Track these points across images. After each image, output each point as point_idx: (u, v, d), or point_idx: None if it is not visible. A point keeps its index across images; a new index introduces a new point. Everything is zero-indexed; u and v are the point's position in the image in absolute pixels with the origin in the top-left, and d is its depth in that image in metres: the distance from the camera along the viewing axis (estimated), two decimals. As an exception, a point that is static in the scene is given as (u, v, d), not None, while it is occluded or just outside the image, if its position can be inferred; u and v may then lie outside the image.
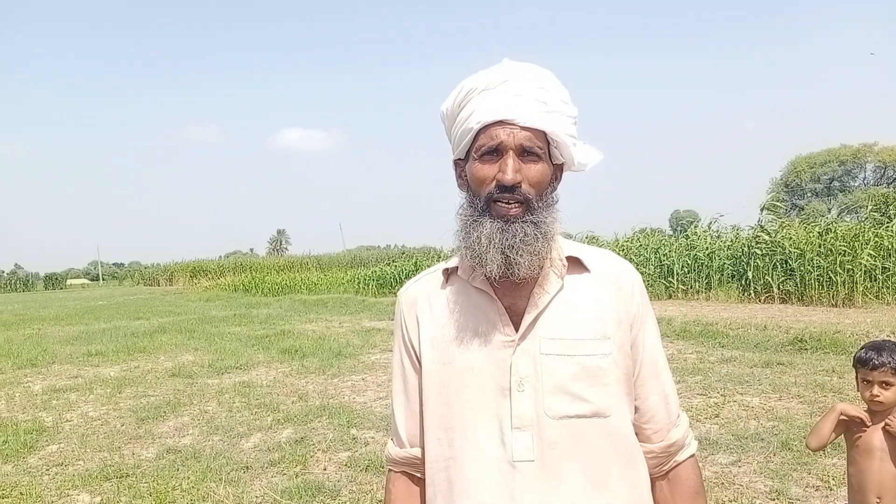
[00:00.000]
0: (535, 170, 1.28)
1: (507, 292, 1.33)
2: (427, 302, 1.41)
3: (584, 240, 21.35)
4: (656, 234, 21.19)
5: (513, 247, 1.24)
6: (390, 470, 1.48)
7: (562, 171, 1.39)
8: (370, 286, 25.95)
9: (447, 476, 1.32)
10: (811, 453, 4.70)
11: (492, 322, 1.32)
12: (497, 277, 1.27)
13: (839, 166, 60.10)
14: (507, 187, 1.25)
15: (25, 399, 8.18)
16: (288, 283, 31.59)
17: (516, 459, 1.26)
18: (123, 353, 11.67)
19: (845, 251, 14.17)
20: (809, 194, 62.00)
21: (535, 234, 1.26)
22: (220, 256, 61.85)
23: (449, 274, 1.42)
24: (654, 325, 1.41)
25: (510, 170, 1.25)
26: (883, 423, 2.57)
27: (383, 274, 26.45)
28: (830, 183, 61.19)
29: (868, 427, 2.61)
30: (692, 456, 1.41)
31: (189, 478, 5.04)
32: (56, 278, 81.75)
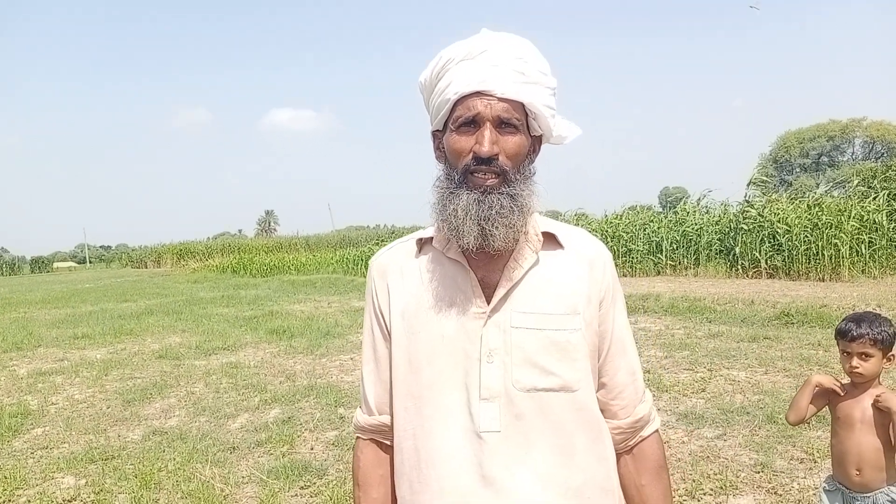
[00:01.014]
0: (513, 142, 1.27)
1: (482, 264, 1.32)
2: (399, 271, 1.40)
3: (573, 217, 21.36)
4: (646, 210, 21.22)
5: (489, 218, 1.24)
6: (358, 437, 1.48)
7: (540, 143, 1.38)
8: (359, 266, 25.92)
9: (414, 444, 1.32)
10: (797, 427, 4.72)
11: (464, 293, 1.31)
12: (474, 249, 1.26)
13: (828, 141, 60.22)
14: (484, 159, 1.24)
15: (11, 383, 8.12)
16: (276, 263, 31.52)
17: (483, 430, 1.26)
18: (110, 336, 11.61)
19: (832, 225, 14.23)
20: (798, 169, 62.18)
21: (512, 207, 1.25)
22: (208, 238, 61.57)
23: (423, 244, 1.41)
24: (622, 303, 1.42)
25: (487, 142, 1.24)
26: (864, 395, 2.56)
27: (372, 254, 26.19)
28: (819, 158, 61.34)
29: (846, 398, 2.60)
30: (656, 431, 1.43)
31: (175, 459, 5.01)
32: (43, 262, 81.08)
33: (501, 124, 1.26)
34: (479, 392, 1.27)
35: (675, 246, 17.10)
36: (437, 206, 1.31)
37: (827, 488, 2.67)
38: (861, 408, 2.55)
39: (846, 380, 2.66)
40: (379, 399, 1.42)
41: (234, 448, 5.23)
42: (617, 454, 1.38)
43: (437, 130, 1.37)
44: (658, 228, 17.71)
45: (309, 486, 4.42)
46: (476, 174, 1.25)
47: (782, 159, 61.84)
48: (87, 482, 4.66)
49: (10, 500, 4.43)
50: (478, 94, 1.25)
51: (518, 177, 1.28)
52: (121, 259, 68.66)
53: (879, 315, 2.60)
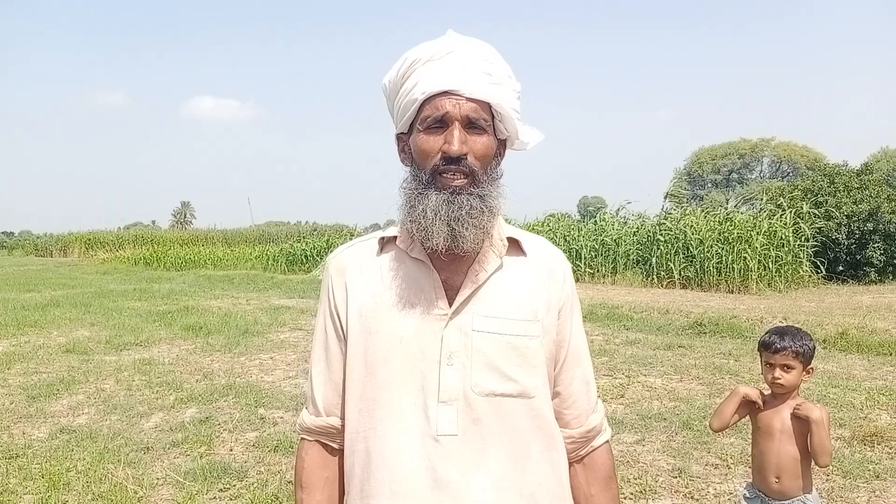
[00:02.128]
0: (481, 142, 1.27)
1: (445, 266, 1.31)
2: (358, 269, 1.38)
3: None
4: (565, 218, 21.68)
5: (459, 219, 1.23)
6: (303, 438, 1.44)
7: (505, 147, 1.38)
8: (279, 263, 25.51)
9: (366, 447, 1.30)
10: (711, 433, 4.90)
11: (426, 294, 1.30)
12: (443, 250, 1.25)
13: (738, 159, 62.80)
14: (454, 159, 1.24)
15: None
16: (192, 257, 30.63)
17: (440, 433, 1.25)
18: (12, 328, 11.00)
19: (742, 240, 14.88)
20: (710, 185, 64.62)
21: (481, 208, 1.25)
22: (120, 228, 59.40)
23: (385, 243, 1.38)
24: (579, 314, 1.44)
25: (457, 141, 1.23)
26: (783, 406, 2.68)
27: (293, 251, 26.05)
28: (729, 174, 63.89)
29: (767, 408, 2.71)
30: (607, 442, 1.45)
31: (85, 459, 4.79)
32: (-63, 246, 76.47)
33: (470, 125, 1.25)
34: (438, 395, 1.25)
35: (593, 254, 17.54)
36: (404, 206, 1.30)
37: (747, 495, 2.77)
38: (781, 418, 2.66)
39: (767, 391, 2.77)
40: (328, 400, 1.39)
41: (148, 448, 5.04)
42: (568, 463, 1.39)
43: (403, 133, 1.35)
44: (578, 237, 18.14)
45: (228, 488, 4.30)
46: (445, 174, 1.25)
47: (695, 174, 64.16)
48: (-12, 482, 4.40)
49: None
50: (446, 93, 1.25)
51: (486, 178, 1.28)
52: (24, 246, 65.14)
53: (801, 330, 2.72)
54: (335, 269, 1.41)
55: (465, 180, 1.25)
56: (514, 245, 1.36)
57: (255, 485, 4.30)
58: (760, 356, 2.74)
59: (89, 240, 48.84)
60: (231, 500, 4.14)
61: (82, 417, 5.91)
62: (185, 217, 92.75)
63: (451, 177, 1.25)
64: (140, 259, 33.08)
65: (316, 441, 1.42)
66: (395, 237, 1.36)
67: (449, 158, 1.23)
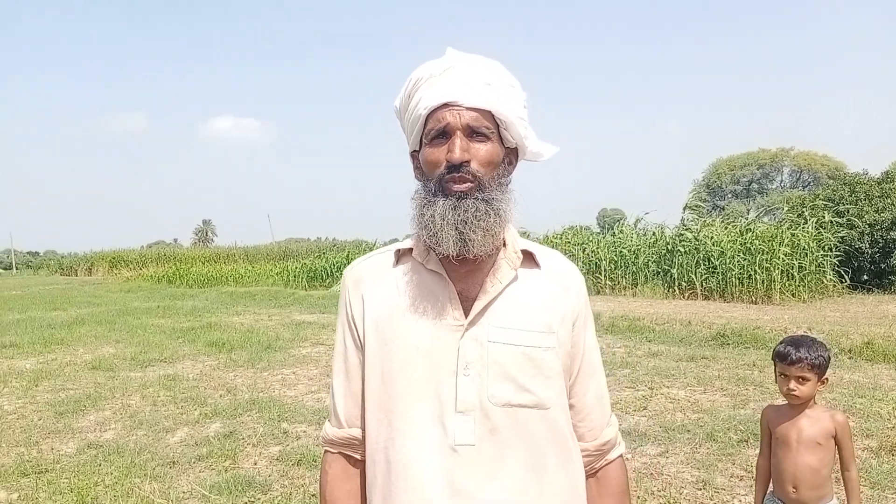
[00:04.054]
0: (484, 149, 1.29)
1: (461, 277, 1.34)
2: (374, 281, 1.40)
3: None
4: (584, 231, 21.62)
5: (465, 222, 1.25)
6: (327, 451, 1.46)
7: (516, 156, 1.40)
8: (300, 279, 25.61)
9: (386, 457, 1.31)
10: (736, 445, 4.88)
11: (442, 305, 1.32)
12: (454, 255, 1.28)
13: (758, 169, 62.35)
14: (456, 166, 1.26)
15: (-68, 393, 7.73)
16: (214, 274, 30.84)
17: (458, 443, 1.26)
18: (39, 345, 11.17)
19: (764, 250, 14.75)
20: (729, 195, 64.16)
21: (487, 211, 1.27)
22: (143, 246, 59.93)
23: (401, 255, 1.41)
24: (592, 326, 1.45)
25: (457, 148, 1.26)
26: (800, 417, 2.66)
27: (314, 267, 26.12)
28: (749, 185, 63.41)
29: (783, 419, 2.70)
30: (621, 456, 1.46)
31: (112, 473, 4.85)
32: (-36, 267, 77.61)
33: (472, 133, 1.29)
34: (455, 405, 1.27)
35: (613, 266, 17.46)
36: (415, 216, 1.33)
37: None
38: (797, 428, 2.65)
39: (782, 400, 2.76)
40: (349, 412, 1.41)
41: (173, 462, 5.10)
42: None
43: (415, 150, 1.39)
44: (596, 249, 18.07)
45: (253, 501, 4.34)
46: (450, 181, 1.28)
47: (714, 185, 63.73)
48: (19, 496, 4.47)
49: (-66, 516, 4.22)
50: (446, 105, 1.28)
51: (492, 183, 1.30)
52: (49, 266, 65.98)
53: (816, 340, 2.70)
54: (352, 281, 1.44)
55: (471, 185, 1.28)
56: (529, 257, 1.38)
57: (279, 498, 4.34)
58: (775, 366, 2.72)
59: (113, 258, 49.31)
60: (256, 513, 4.17)
61: (109, 433, 5.98)
62: (206, 235, 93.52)
63: (457, 184, 1.28)
64: (163, 277, 33.36)
65: (339, 453, 1.44)
66: (411, 249, 1.39)
67: (452, 166, 1.27)
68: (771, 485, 2.78)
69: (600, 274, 17.43)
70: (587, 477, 1.41)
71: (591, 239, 19.28)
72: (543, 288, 1.36)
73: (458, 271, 1.33)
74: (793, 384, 2.62)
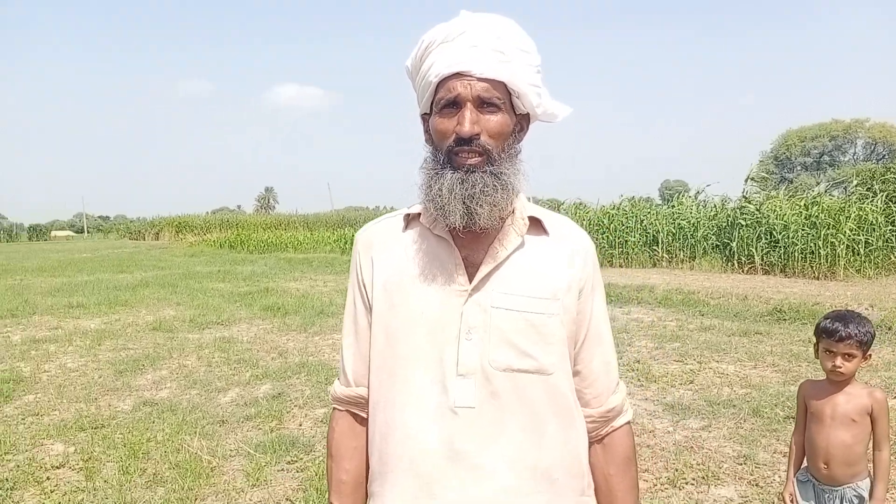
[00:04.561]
0: (495, 121, 1.28)
1: (467, 243, 1.34)
2: (383, 245, 1.42)
3: (571, 206, 21.33)
4: (643, 202, 21.21)
5: (473, 197, 1.25)
6: (335, 408, 1.49)
7: (528, 121, 1.39)
8: (357, 247, 25.87)
9: (385, 417, 1.34)
10: (781, 421, 4.78)
11: (447, 270, 1.33)
12: (460, 228, 1.28)
13: (830, 141, 60.16)
14: (466, 139, 1.26)
15: (4, 349, 8.15)
16: (274, 241, 31.49)
17: (458, 405, 1.27)
18: (105, 306, 11.63)
19: (829, 224, 14.25)
20: (799, 168, 62.14)
21: (495, 185, 1.27)
22: (207, 212, 61.42)
23: (410, 219, 1.42)
24: (602, 294, 1.44)
25: (467, 122, 1.25)
26: (838, 393, 2.58)
27: (367, 233, 26.33)
28: (820, 157, 61.26)
29: (819, 394, 2.63)
30: (628, 423, 1.45)
31: (164, 430, 5.05)
32: (40, 230, 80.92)
33: (483, 104, 1.27)
34: (457, 368, 1.28)
35: (671, 239, 17.12)
36: (423, 186, 1.33)
37: (800, 479, 2.71)
38: (833, 404, 2.57)
39: (821, 376, 2.68)
40: (357, 371, 1.43)
41: (223, 421, 5.27)
42: (588, 443, 1.40)
43: (426, 113, 1.38)
44: (654, 220, 17.72)
45: (296, 461, 4.46)
46: (459, 154, 1.27)
47: (783, 157, 61.76)
48: (76, 449, 4.70)
49: (-1, 464, 4.46)
50: (457, 75, 1.27)
51: (502, 155, 1.29)
52: (119, 230, 68.36)
53: (860, 315, 2.59)
54: (362, 244, 1.45)
55: (480, 159, 1.27)
56: (536, 224, 1.37)
57: (321, 458, 4.44)
58: (818, 342, 2.63)
59: (179, 224, 50.73)
60: (298, 472, 4.29)
61: (164, 391, 6.21)
62: (268, 202, 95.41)
63: (465, 156, 1.27)
64: (225, 242, 34.20)
65: (346, 411, 1.47)
66: (420, 214, 1.39)
67: (461, 139, 1.26)
68: (805, 461, 2.72)
69: (657, 246, 17.12)
70: (593, 443, 1.41)
71: (648, 211, 18.91)
72: (549, 255, 1.36)
73: (465, 237, 1.33)
74: (839, 361, 2.54)
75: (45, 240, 73.76)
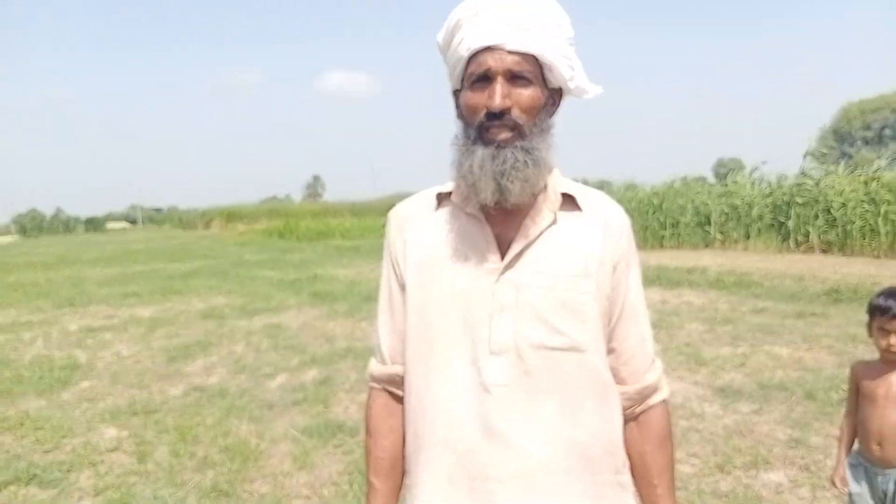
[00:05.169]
0: (526, 95, 1.25)
1: (499, 221, 1.32)
2: (416, 223, 1.41)
3: (621, 187, 21.01)
4: (695, 182, 20.78)
5: (504, 173, 1.23)
6: (372, 387, 1.49)
7: (560, 96, 1.35)
8: (404, 233, 25.99)
9: (420, 396, 1.33)
10: (835, 404, 4.63)
11: (479, 248, 1.31)
12: (492, 205, 1.26)
13: (892, 114, 58.01)
14: (497, 114, 1.23)
15: (62, 337, 8.42)
16: (322, 229, 31.81)
17: (491, 383, 1.26)
18: (158, 295, 11.92)
19: (890, 201, 13.76)
20: (860, 142, 60.12)
21: (527, 161, 1.24)
22: (257, 202, 62.43)
23: (442, 198, 1.40)
24: (637, 270, 1.40)
25: (498, 95, 1.23)
26: (892, 372, 2.47)
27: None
28: (882, 130, 59.16)
29: (872, 374, 2.52)
30: (664, 401, 1.42)
31: (213, 414, 5.15)
32: (96, 222, 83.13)
33: (514, 78, 1.24)
34: (489, 346, 1.27)
35: (724, 219, 16.75)
36: (454, 163, 1.31)
37: (851, 462, 2.61)
38: (887, 384, 2.46)
39: (875, 355, 2.57)
40: (393, 349, 1.43)
41: (271, 406, 5.35)
42: (623, 420, 1.38)
43: (457, 89, 1.36)
44: (706, 200, 17.34)
45: (341, 444, 4.50)
46: (490, 129, 1.25)
47: (843, 131, 59.85)
48: (129, 434, 4.82)
49: (56, 448, 4.61)
50: (488, 49, 1.24)
51: (534, 130, 1.26)
52: (171, 221, 70.00)
53: None
54: (395, 223, 1.45)
55: (511, 134, 1.24)
56: (569, 200, 1.34)
57: (366, 443, 4.47)
58: (871, 320, 2.52)
59: (229, 213, 51.52)
60: (343, 455, 4.33)
61: (214, 377, 6.33)
62: (316, 190, 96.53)
63: (496, 131, 1.24)
64: (274, 231, 34.65)
65: (383, 389, 1.46)
66: (451, 192, 1.37)
67: (492, 113, 1.23)
68: (856, 444, 2.62)
69: (709, 226, 16.77)
70: (629, 421, 1.39)
71: (700, 190, 18.52)
72: (583, 231, 1.33)
73: (497, 215, 1.31)
74: (893, 339, 2.43)
75: (101, 231, 75.86)
